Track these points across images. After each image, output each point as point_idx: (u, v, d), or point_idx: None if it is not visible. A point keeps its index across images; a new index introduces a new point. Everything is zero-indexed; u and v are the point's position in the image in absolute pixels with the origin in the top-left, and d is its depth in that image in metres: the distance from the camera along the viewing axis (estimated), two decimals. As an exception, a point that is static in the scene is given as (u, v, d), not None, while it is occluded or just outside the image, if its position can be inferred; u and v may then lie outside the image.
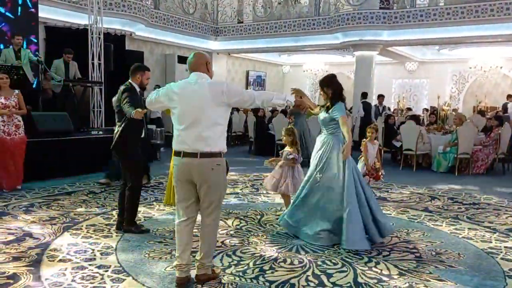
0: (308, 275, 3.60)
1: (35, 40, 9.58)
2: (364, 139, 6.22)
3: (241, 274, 3.59)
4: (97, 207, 5.65)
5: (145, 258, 3.90)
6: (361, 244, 4.22)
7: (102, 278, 3.44)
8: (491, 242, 4.59)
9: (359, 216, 4.29)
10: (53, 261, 3.78)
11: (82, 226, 4.81)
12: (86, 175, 7.40)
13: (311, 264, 3.83)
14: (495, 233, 4.92)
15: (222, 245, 4.25)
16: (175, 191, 3.41)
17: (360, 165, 6.03)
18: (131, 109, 4.18)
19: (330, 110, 4.38)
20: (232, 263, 3.82)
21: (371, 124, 6.75)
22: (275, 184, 5.21)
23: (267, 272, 3.65)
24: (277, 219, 5.27)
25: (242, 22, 16.11)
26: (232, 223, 5.07)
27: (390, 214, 5.65)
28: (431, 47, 15.38)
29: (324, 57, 18.72)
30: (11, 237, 4.36)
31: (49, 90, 8.92)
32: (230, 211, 5.59)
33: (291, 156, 5.18)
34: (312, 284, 3.43)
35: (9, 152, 6.31)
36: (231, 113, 13.44)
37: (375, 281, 3.53)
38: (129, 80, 4.59)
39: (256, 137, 11.99)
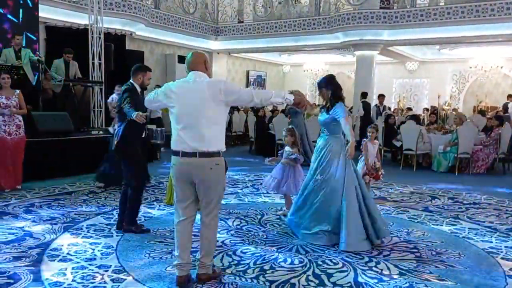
0: (308, 275, 3.59)
1: (34, 38, 9.56)
2: (365, 139, 6.22)
3: (241, 274, 3.59)
4: (97, 207, 5.65)
5: (145, 258, 3.90)
6: (361, 246, 4.22)
7: (102, 278, 3.44)
8: (491, 242, 4.59)
9: (359, 217, 4.29)
10: (54, 261, 3.78)
11: (83, 226, 4.81)
12: (87, 175, 7.39)
13: (311, 264, 3.83)
14: (495, 232, 4.92)
15: (223, 245, 4.25)
16: (174, 190, 3.41)
17: (360, 165, 6.04)
18: (132, 111, 4.17)
19: (331, 111, 4.37)
20: (232, 263, 3.82)
21: (372, 124, 6.75)
22: (277, 184, 5.21)
23: (267, 272, 3.65)
24: (277, 218, 5.29)
25: (242, 22, 16.10)
26: (233, 223, 5.07)
27: (391, 214, 5.65)
28: (431, 47, 15.36)
29: (325, 57, 18.71)
30: (11, 237, 4.36)
31: (50, 90, 8.92)
32: (231, 211, 5.59)
33: (293, 156, 5.18)
34: (312, 284, 3.43)
35: (9, 152, 6.31)
36: (231, 113, 13.61)
37: (376, 281, 3.53)
38: (130, 80, 4.59)
39: (257, 137, 11.98)
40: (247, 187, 7.24)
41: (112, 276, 3.49)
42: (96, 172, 6.79)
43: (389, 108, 14.80)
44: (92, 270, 3.60)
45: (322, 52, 16.91)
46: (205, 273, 3.37)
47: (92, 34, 10.01)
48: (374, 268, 3.78)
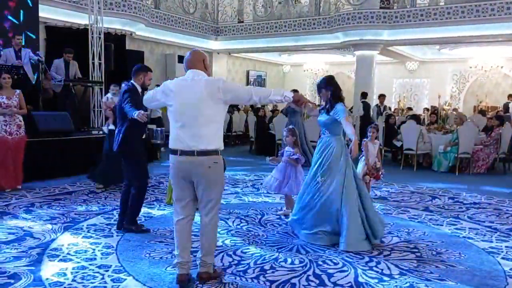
0: (309, 275, 3.59)
1: (34, 38, 9.56)
2: (365, 139, 6.22)
3: (241, 274, 3.59)
4: (97, 206, 5.65)
5: (145, 258, 3.90)
6: (361, 246, 4.22)
7: (102, 278, 3.44)
8: (492, 242, 4.58)
9: (359, 217, 4.29)
10: (54, 260, 3.78)
11: (83, 225, 4.81)
12: (87, 175, 7.38)
13: (311, 264, 3.82)
14: (495, 232, 4.92)
15: (223, 245, 4.25)
16: (173, 189, 3.41)
17: (361, 165, 6.04)
18: (133, 110, 4.17)
19: (332, 112, 4.36)
20: (232, 263, 3.82)
21: (372, 124, 6.75)
22: (278, 185, 5.20)
23: (267, 271, 3.64)
24: (277, 218, 5.29)
25: (242, 22, 16.10)
26: (233, 223, 5.07)
27: (391, 214, 5.65)
28: (431, 47, 15.36)
29: (325, 57, 18.70)
30: (11, 237, 4.36)
31: (50, 89, 8.92)
32: (231, 211, 5.59)
33: (295, 156, 5.18)
34: (313, 284, 3.43)
35: (10, 152, 6.32)
36: (232, 113, 13.60)
37: (376, 280, 3.52)
38: (131, 81, 4.59)
39: (257, 137, 11.99)
40: (247, 187, 7.24)
41: (112, 276, 3.49)
42: (95, 172, 6.76)
43: (390, 108, 14.81)
44: (93, 270, 3.59)
45: (322, 52, 16.91)
46: (206, 271, 3.37)
47: (92, 34, 10.02)
48: (374, 268, 3.78)
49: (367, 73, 13.92)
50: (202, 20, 15.54)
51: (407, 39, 13.22)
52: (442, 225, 5.18)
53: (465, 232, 4.92)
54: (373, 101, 14.19)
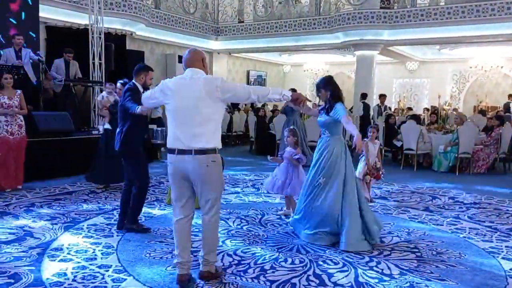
0: (309, 275, 3.59)
1: (34, 35, 9.56)
2: (365, 139, 6.23)
3: (242, 273, 3.59)
4: (98, 206, 5.66)
5: (146, 257, 3.90)
6: (361, 246, 4.22)
7: (103, 278, 3.44)
8: (492, 242, 4.58)
9: (359, 218, 4.30)
10: (54, 260, 3.78)
11: (83, 225, 4.81)
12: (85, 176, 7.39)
13: (312, 264, 3.83)
14: (496, 232, 4.92)
15: (223, 245, 4.25)
16: (171, 189, 3.40)
17: (361, 165, 6.05)
18: (135, 105, 4.16)
19: (331, 112, 4.35)
20: (233, 263, 3.82)
21: (372, 124, 6.76)
22: (281, 185, 5.19)
23: (268, 271, 3.64)
24: (278, 218, 5.29)
25: (242, 22, 16.10)
26: (233, 223, 5.07)
27: (391, 214, 5.65)
28: (431, 47, 15.35)
29: (325, 57, 18.70)
30: (12, 237, 4.36)
31: (50, 89, 8.93)
32: (231, 210, 5.59)
33: (297, 157, 5.18)
34: (313, 284, 3.43)
35: (11, 152, 6.33)
36: (232, 113, 13.60)
37: (376, 280, 3.52)
38: (133, 81, 4.59)
39: (257, 137, 11.99)
40: (248, 187, 7.24)
41: (113, 276, 3.49)
42: (93, 173, 6.74)
43: (390, 108, 14.81)
44: (93, 270, 3.60)
45: (323, 52, 16.91)
46: (208, 271, 3.37)
47: (93, 34, 10.02)
48: (375, 268, 3.78)
49: (367, 73, 13.92)
50: (202, 20, 15.54)
51: (407, 39, 13.22)
52: (442, 225, 5.18)
53: (465, 232, 4.92)
54: (373, 101, 14.19)
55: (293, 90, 4.26)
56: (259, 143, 11.83)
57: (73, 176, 7.37)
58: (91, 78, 9.91)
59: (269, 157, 5.56)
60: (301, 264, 3.82)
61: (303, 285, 3.41)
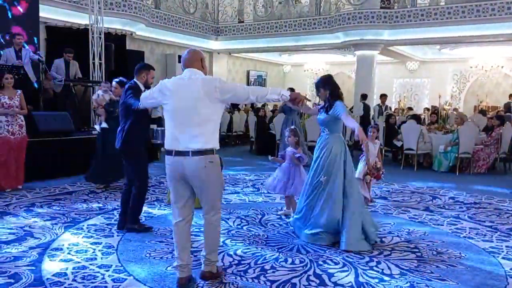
0: (309, 275, 3.59)
1: (35, 38, 9.57)
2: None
3: (242, 273, 3.59)
4: (98, 206, 5.65)
5: (146, 257, 3.90)
6: (361, 245, 4.22)
7: (103, 278, 3.44)
8: (492, 242, 4.58)
9: (359, 217, 4.30)
10: (54, 260, 3.78)
11: (83, 225, 4.81)
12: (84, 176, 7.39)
13: (312, 264, 3.82)
14: (496, 232, 4.91)
15: (224, 245, 4.25)
16: (170, 191, 3.37)
17: (361, 165, 6.04)
18: (137, 101, 4.12)
19: (331, 110, 4.35)
20: (233, 263, 3.82)
21: (372, 125, 6.76)
22: (283, 185, 5.18)
23: (268, 271, 3.64)
24: (278, 218, 5.29)
25: (242, 22, 16.10)
26: (233, 222, 5.07)
27: (391, 214, 5.65)
28: (432, 47, 15.35)
29: (325, 57, 18.70)
30: (12, 237, 4.36)
31: (50, 90, 8.94)
32: (231, 210, 5.58)
33: (298, 155, 5.18)
34: (313, 284, 3.43)
35: (12, 151, 6.34)
36: (232, 113, 13.59)
37: (377, 280, 3.52)
38: (134, 79, 4.58)
39: (257, 137, 11.98)
40: (248, 187, 7.24)
41: (113, 276, 3.49)
42: (92, 173, 6.72)
43: (390, 108, 14.80)
44: (93, 270, 3.59)
45: (323, 52, 16.90)
46: (209, 271, 3.36)
47: (93, 34, 10.02)
48: (375, 268, 3.78)
49: (368, 73, 13.92)
50: (202, 20, 15.54)
51: (408, 39, 13.22)
52: (442, 225, 5.18)
53: (465, 232, 4.92)
54: (374, 101, 14.19)
55: (291, 90, 4.25)
56: (259, 143, 11.82)
57: (73, 176, 7.36)
58: (91, 78, 9.91)
59: (270, 158, 5.56)
60: (302, 264, 3.82)
61: (304, 285, 3.40)
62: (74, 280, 3.38)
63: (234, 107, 14.25)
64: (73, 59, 9.12)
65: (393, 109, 15.06)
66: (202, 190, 3.23)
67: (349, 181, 4.36)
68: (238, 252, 4.09)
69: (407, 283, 3.49)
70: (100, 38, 10.05)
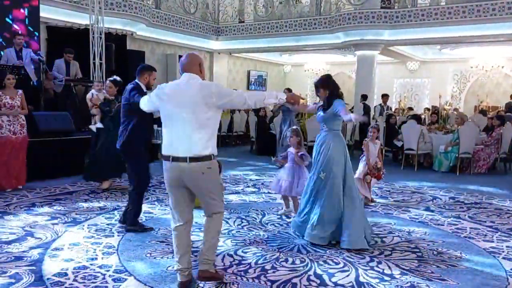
0: (309, 275, 3.59)
1: (35, 38, 9.56)
2: (366, 139, 6.23)
3: (242, 273, 3.59)
4: (98, 206, 5.66)
5: (146, 257, 3.90)
6: (361, 243, 4.22)
7: (103, 278, 3.44)
8: (493, 242, 4.58)
9: (359, 215, 4.30)
10: (55, 260, 3.78)
11: (84, 225, 4.81)
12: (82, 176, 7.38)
13: (312, 264, 3.82)
14: (497, 232, 4.91)
15: (224, 245, 4.25)
16: (169, 196, 3.32)
17: (361, 165, 6.04)
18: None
19: (331, 108, 4.35)
20: (233, 263, 3.82)
21: (373, 124, 6.76)
22: (289, 186, 5.18)
23: (268, 271, 3.64)
24: (278, 218, 5.29)
25: (243, 22, 16.09)
26: (234, 222, 5.07)
27: (392, 214, 5.65)
28: (432, 47, 15.34)
29: (326, 57, 18.68)
30: (12, 237, 4.36)
31: (51, 89, 8.94)
32: (232, 210, 5.59)
33: (301, 153, 5.18)
34: (314, 284, 3.43)
35: (14, 151, 6.36)
36: (233, 113, 13.59)
37: (377, 280, 3.52)
38: (136, 80, 4.58)
39: (258, 137, 11.98)
40: (248, 187, 7.24)
41: (114, 276, 3.49)
42: (92, 173, 6.69)
43: (390, 108, 14.80)
44: (94, 270, 3.60)
45: (323, 52, 16.89)
46: (207, 270, 3.27)
47: (93, 34, 10.01)
48: (375, 268, 3.78)
49: (368, 73, 13.91)
50: (203, 20, 15.54)
51: (408, 39, 13.21)
52: (443, 225, 5.18)
53: (466, 232, 4.92)
54: (374, 101, 14.18)
55: (289, 90, 4.24)
56: (260, 143, 11.82)
57: (74, 176, 7.36)
58: (91, 78, 9.89)
59: (273, 159, 5.57)
60: (302, 264, 3.82)
61: (304, 285, 3.40)
62: (74, 280, 3.39)
63: (234, 107, 14.23)
64: (74, 59, 9.12)
65: (393, 109, 15.06)
66: (202, 195, 3.21)
67: (349, 180, 4.37)
68: (239, 252, 4.09)
69: (407, 283, 3.49)
70: (100, 38, 10.05)
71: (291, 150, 5.32)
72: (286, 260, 3.89)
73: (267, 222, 5.14)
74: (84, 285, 3.30)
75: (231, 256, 3.98)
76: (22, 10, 9.23)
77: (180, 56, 14.44)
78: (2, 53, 8.27)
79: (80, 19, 10.74)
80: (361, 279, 3.54)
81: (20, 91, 6.48)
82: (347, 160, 4.38)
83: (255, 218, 5.28)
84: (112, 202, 5.88)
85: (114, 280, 3.41)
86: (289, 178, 5.19)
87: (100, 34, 10.06)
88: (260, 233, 4.69)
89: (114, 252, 4.01)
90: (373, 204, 6.07)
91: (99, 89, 7.03)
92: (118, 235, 4.49)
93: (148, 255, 3.96)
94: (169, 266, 3.67)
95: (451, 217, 5.52)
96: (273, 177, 6.28)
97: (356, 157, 6.16)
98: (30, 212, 5.26)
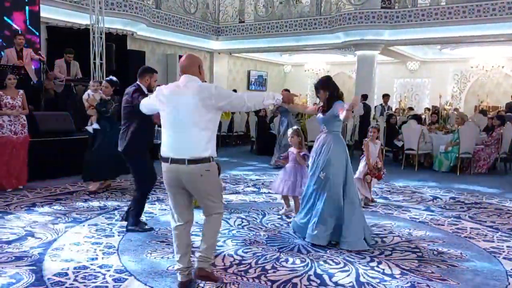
0: (310, 275, 3.59)
1: (36, 38, 9.57)
2: (366, 139, 6.23)
3: (243, 273, 3.59)
4: (99, 206, 5.66)
5: (147, 257, 3.91)
6: (360, 244, 4.23)
7: (104, 278, 3.44)
8: (493, 242, 4.58)
9: (360, 216, 4.30)
10: (55, 260, 3.78)
11: (84, 225, 4.81)
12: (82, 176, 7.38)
13: (313, 264, 3.82)
14: (497, 232, 4.91)
15: (224, 245, 4.25)
16: (169, 197, 3.32)
17: (362, 165, 6.04)
18: None
19: (331, 110, 4.35)
20: (234, 263, 3.82)
21: (374, 124, 6.76)
22: (292, 186, 5.18)
23: (269, 271, 3.64)
24: (278, 218, 5.29)
25: (243, 22, 16.10)
26: (234, 222, 5.07)
27: (392, 214, 5.65)
28: (432, 47, 15.35)
29: (326, 57, 18.69)
30: (13, 237, 4.37)
31: (51, 90, 8.94)
32: (232, 210, 5.59)
33: (303, 153, 5.19)
34: (314, 284, 3.43)
35: (15, 151, 6.36)
36: (233, 113, 13.58)
37: (377, 280, 3.52)
38: (137, 82, 4.58)
39: (258, 137, 11.98)
40: (249, 186, 7.24)
41: (114, 275, 3.49)
42: (91, 173, 6.67)
43: (391, 108, 14.80)
44: (94, 269, 3.60)
45: (323, 52, 16.90)
46: (203, 268, 3.21)
47: (93, 34, 10.01)
48: (376, 268, 3.78)
49: (368, 73, 13.92)
50: (203, 20, 15.55)
51: (408, 39, 13.22)
52: (443, 225, 5.18)
53: (466, 232, 4.92)
54: (374, 101, 14.18)
55: (286, 90, 4.21)
56: (260, 143, 11.82)
57: (74, 176, 7.35)
58: (92, 78, 9.90)
59: (273, 160, 5.57)
60: (302, 264, 3.82)
61: (304, 285, 3.40)
62: (75, 280, 3.39)
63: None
64: (74, 59, 9.12)
65: (394, 109, 15.06)
66: (200, 197, 3.21)
67: (349, 180, 4.37)
68: (239, 252, 4.09)
69: (408, 283, 3.49)
70: (101, 38, 10.05)
71: (292, 150, 5.32)
72: (287, 260, 3.89)
73: (267, 222, 5.15)
74: (85, 285, 3.30)
75: (231, 256, 3.98)
76: (22, 12, 9.23)
77: (180, 56, 14.37)
78: (2, 53, 8.27)
79: (80, 19, 10.75)
80: (361, 279, 3.54)
81: (21, 91, 6.49)
82: (347, 161, 4.38)
83: (256, 218, 5.28)
84: (112, 202, 5.89)
85: (114, 280, 3.41)
86: (292, 178, 5.20)
87: (101, 34, 10.07)
88: (260, 233, 4.69)
89: (115, 252, 4.02)
90: (373, 204, 6.07)
91: (95, 90, 6.99)
92: (118, 235, 4.50)
93: (149, 255, 3.97)
94: (169, 266, 3.68)
95: (452, 217, 5.52)
96: (273, 177, 6.28)
97: (356, 157, 6.17)
98: (31, 212, 5.27)
